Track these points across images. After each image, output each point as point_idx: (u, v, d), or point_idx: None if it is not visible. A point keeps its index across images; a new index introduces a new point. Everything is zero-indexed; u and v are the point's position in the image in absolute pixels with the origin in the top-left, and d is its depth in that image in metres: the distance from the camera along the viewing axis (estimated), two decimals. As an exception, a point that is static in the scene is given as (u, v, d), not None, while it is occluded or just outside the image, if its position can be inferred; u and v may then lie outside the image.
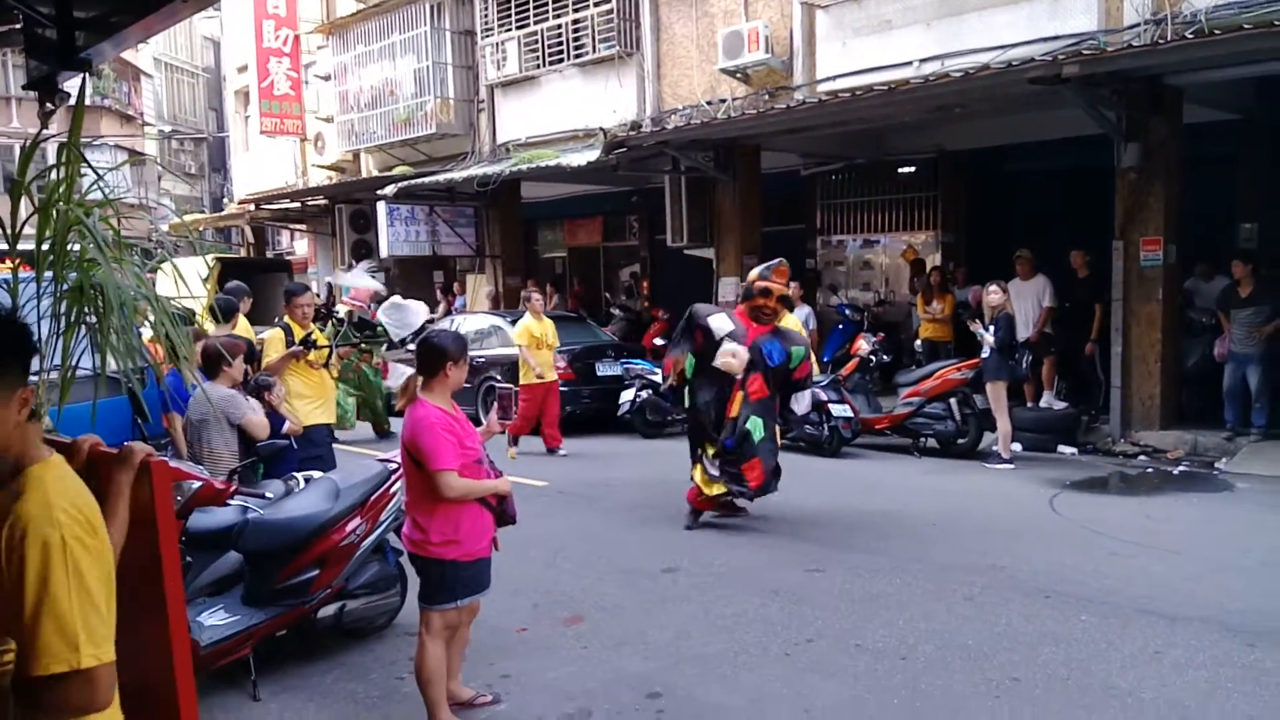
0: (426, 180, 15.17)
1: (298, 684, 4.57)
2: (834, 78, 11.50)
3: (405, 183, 15.19)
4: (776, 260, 7.11)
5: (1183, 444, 9.24)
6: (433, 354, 3.93)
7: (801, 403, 7.26)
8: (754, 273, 7.20)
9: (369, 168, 18.85)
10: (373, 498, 4.89)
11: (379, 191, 15.63)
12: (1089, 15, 9.50)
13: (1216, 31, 7.88)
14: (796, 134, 12.11)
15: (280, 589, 4.59)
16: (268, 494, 4.96)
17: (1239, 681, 4.27)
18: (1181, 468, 8.81)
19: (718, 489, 7.01)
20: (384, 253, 16.44)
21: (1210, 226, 10.42)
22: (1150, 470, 8.87)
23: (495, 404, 4.41)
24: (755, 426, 6.83)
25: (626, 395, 11.26)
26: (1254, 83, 9.81)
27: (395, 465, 5.09)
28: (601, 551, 6.59)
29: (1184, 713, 4.00)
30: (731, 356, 6.74)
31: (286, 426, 5.99)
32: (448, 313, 16.24)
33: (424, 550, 3.88)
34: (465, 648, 4.23)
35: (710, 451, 6.99)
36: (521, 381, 10.17)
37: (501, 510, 3.99)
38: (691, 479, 7.20)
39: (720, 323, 6.92)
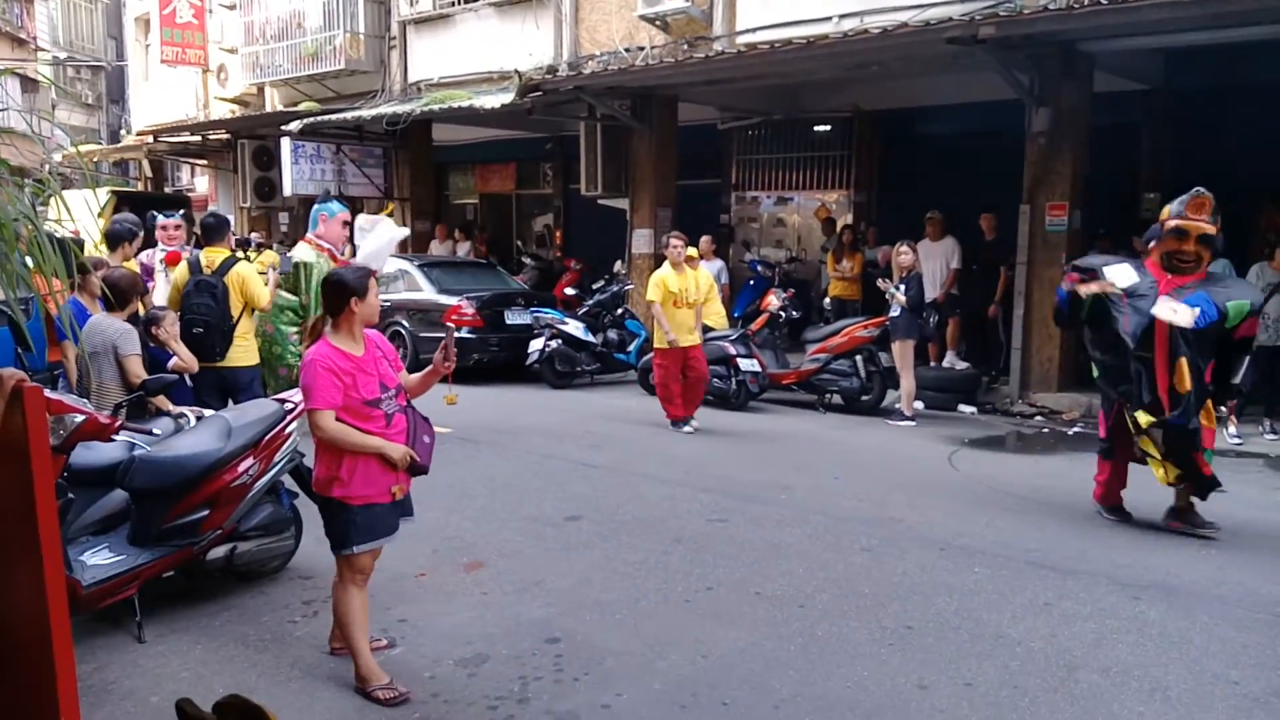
0: (334, 117, 14.63)
1: (185, 626, 4.39)
2: (753, 30, 11.42)
3: (311, 119, 14.63)
4: (1193, 191, 5.56)
5: (1078, 406, 9.55)
6: (335, 292, 3.78)
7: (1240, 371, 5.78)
8: (1166, 210, 5.72)
9: (274, 102, 18.13)
10: (267, 438, 4.70)
11: (283, 127, 15.03)
12: (1008, -23, 9.60)
13: None
14: (714, 86, 12.01)
15: (168, 529, 4.39)
16: (155, 430, 4.73)
17: (1123, 632, 4.42)
18: (1076, 429, 9.10)
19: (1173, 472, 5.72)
20: (287, 191, 15.87)
21: (1115, 195, 10.71)
22: (1046, 431, 9.15)
23: (441, 346, 4.06)
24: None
25: (535, 345, 11.13)
26: (1163, 53, 10.09)
27: (291, 405, 4.92)
28: (505, 499, 6.50)
29: (1071, 661, 4.12)
30: (1172, 311, 5.40)
31: (172, 363, 5.71)
32: (353, 256, 15.76)
33: (316, 486, 3.84)
34: None
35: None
36: (655, 345, 8.91)
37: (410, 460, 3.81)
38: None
39: (1119, 274, 5.71)
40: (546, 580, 5.00)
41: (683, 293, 8.65)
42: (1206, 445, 5.55)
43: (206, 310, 6.22)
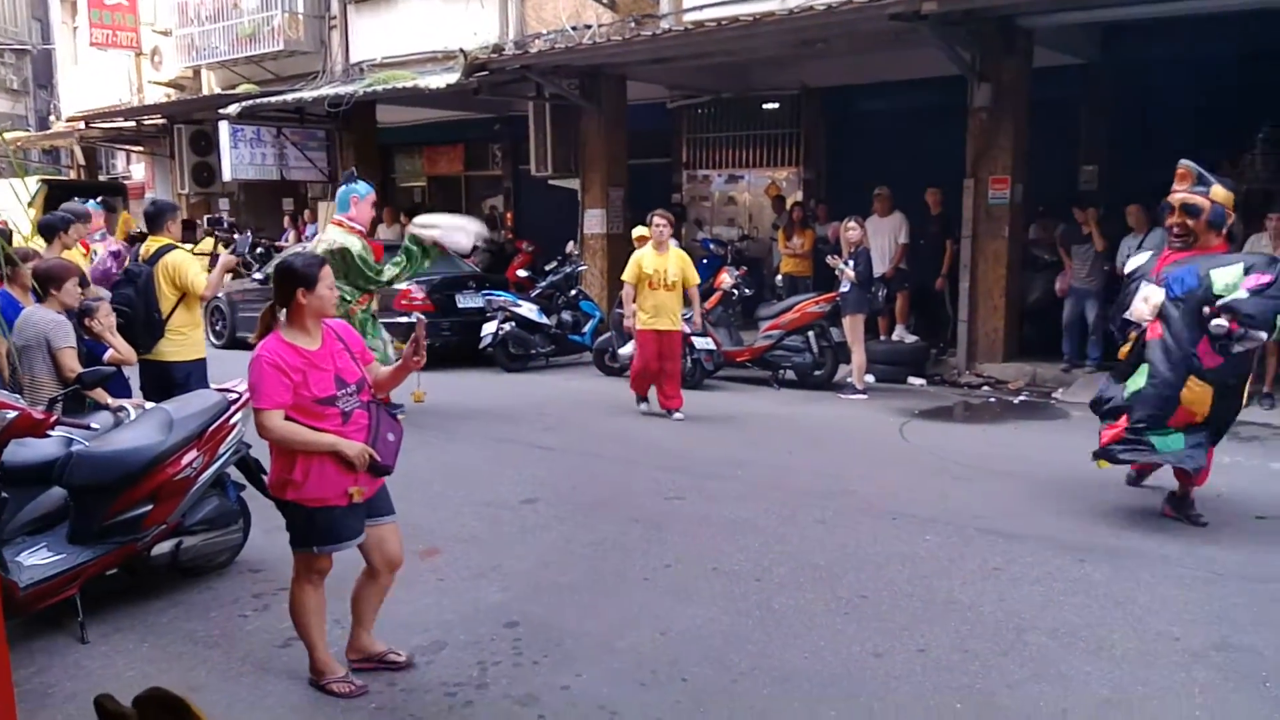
0: (273, 100, 14.33)
1: (130, 624, 4.30)
2: (700, 8, 11.38)
3: (250, 102, 14.31)
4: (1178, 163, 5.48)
5: (1023, 375, 9.73)
6: (281, 281, 3.54)
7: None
8: None
9: (211, 85, 17.74)
10: (210, 429, 4.60)
11: (221, 111, 14.69)
12: (949, -45, 9.66)
13: (1067, -27, 8.14)
14: (663, 64, 11.95)
15: (109, 526, 4.28)
16: (93, 425, 4.62)
17: (1070, 594, 4.52)
18: (1021, 398, 9.27)
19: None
20: (226, 176, 15.57)
21: (1055, 168, 10.87)
22: (993, 400, 9.30)
23: (411, 339, 3.82)
24: (1139, 372, 5.35)
25: (488, 328, 11.03)
26: (1099, 28, 10.24)
27: (235, 395, 4.83)
28: (460, 484, 6.45)
29: (1019, 623, 4.20)
30: (1143, 301, 5.35)
31: (108, 355, 5.56)
32: (298, 241, 15.54)
33: (270, 488, 3.67)
34: (381, 598, 3.88)
35: None
36: (630, 325, 8.54)
37: (368, 458, 3.57)
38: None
39: (1137, 260, 5.69)
40: (504, 564, 4.98)
41: (658, 274, 8.25)
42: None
43: (127, 300, 6.04)
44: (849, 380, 9.41)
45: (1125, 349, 5.57)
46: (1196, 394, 5.21)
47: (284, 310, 3.58)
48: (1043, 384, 9.56)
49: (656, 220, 8.44)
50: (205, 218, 15.31)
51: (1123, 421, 5.37)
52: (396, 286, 8.52)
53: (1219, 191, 5.32)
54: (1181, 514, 5.52)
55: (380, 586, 3.82)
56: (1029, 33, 9.57)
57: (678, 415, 8.41)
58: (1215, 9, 8.46)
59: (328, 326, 3.65)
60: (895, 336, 11.00)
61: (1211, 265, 5.20)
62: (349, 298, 7.83)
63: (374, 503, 3.71)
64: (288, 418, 3.48)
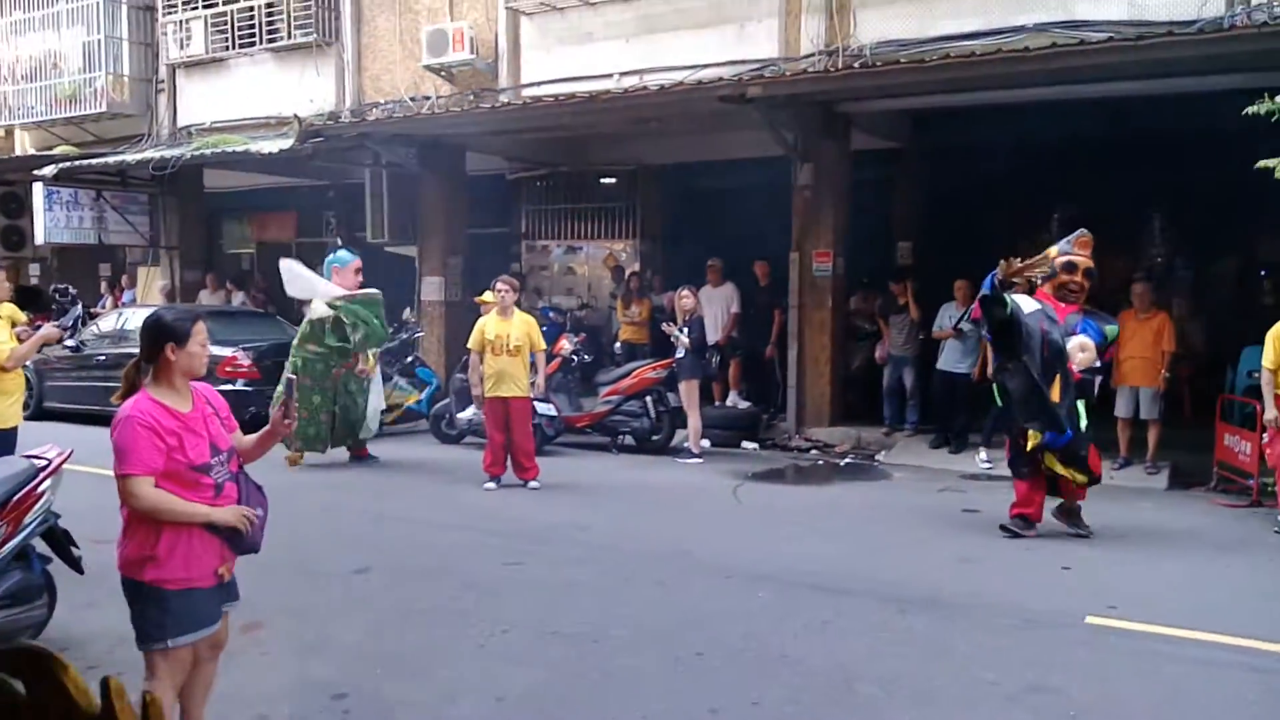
0: (94, 161, 13.69)
1: (-92, 718, 3.90)
2: (538, 84, 11.65)
3: (68, 163, 13.62)
4: (1078, 231, 6.50)
5: (848, 439, 10.18)
6: (149, 336, 3.26)
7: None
8: (1053, 249, 6.53)
9: (25, 145, 16.75)
10: (15, 498, 4.29)
11: (36, 172, 13.90)
12: (771, 43, 10.29)
13: (878, 64, 8.80)
14: (501, 136, 12.14)
15: (-110, 606, 3.91)
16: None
17: (893, 644, 4.72)
18: (847, 460, 9.69)
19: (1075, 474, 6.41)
20: (40, 240, 14.65)
21: (873, 243, 11.57)
22: (821, 463, 9.70)
23: (279, 404, 3.64)
24: (1081, 412, 6.37)
25: (321, 396, 10.69)
26: (910, 115, 11.06)
27: (44, 463, 4.52)
28: (288, 554, 6.12)
29: (847, 674, 4.35)
30: (1081, 350, 6.28)
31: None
32: (115, 307, 14.75)
33: (121, 567, 3.22)
34: (209, 691, 3.57)
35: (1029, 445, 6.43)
36: (478, 393, 8.38)
37: (234, 534, 3.30)
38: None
39: (1026, 303, 6.38)
40: (332, 635, 4.81)
41: (500, 339, 8.13)
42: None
43: None
44: (686, 444, 9.61)
45: (1056, 390, 6.25)
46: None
47: (150, 367, 3.29)
48: (866, 446, 10.04)
49: (500, 286, 8.37)
50: (53, 287, 14.32)
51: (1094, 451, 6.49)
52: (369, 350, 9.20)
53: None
54: (1073, 525, 6.55)
55: (206, 675, 3.54)
56: (847, 118, 10.27)
57: (534, 485, 8.20)
58: (1010, 100, 9.30)
59: (196, 390, 3.39)
60: (729, 402, 11.34)
61: (1103, 322, 6.56)
62: (333, 362, 8.91)
63: (226, 587, 3.45)
64: (157, 485, 3.18)
